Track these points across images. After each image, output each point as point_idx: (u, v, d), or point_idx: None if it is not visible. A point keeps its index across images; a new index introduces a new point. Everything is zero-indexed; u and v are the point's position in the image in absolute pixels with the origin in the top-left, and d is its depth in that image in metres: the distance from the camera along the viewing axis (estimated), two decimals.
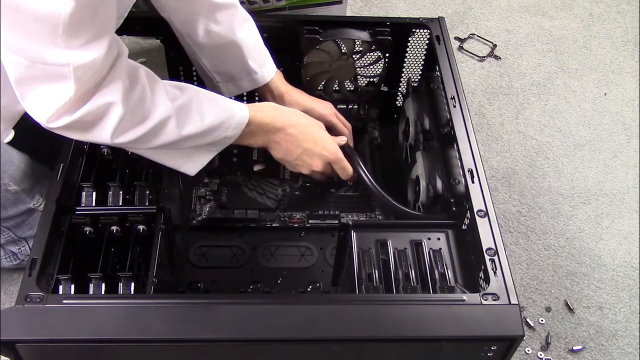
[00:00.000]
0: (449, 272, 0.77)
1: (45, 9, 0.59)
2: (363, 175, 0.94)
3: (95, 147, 0.90)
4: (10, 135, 0.87)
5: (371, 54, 1.06)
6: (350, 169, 0.95)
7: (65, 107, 0.67)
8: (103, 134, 0.71)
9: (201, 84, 1.11)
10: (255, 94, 1.07)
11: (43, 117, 0.68)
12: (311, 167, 0.92)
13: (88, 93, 0.67)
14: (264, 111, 0.87)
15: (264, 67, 0.98)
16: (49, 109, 0.67)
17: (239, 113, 0.82)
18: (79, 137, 0.72)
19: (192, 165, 0.84)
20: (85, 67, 0.64)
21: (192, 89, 0.79)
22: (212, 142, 0.82)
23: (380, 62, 1.08)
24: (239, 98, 1.15)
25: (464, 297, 0.69)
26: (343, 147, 0.96)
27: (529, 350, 1.04)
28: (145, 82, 0.73)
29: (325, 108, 1.02)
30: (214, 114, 0.80)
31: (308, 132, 0.90)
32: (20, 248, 1.03)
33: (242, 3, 0.97)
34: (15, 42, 0.62)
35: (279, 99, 0.99)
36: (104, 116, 0.70)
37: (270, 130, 0.87)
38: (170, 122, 0.75)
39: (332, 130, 1.03)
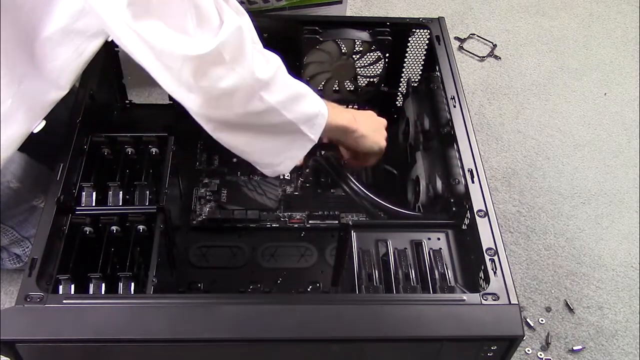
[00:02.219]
0: (449, 272, 0.77)
1: None
2: (351, 185, 0.95)
3: (95, 147, 0.90)
4: (42, 124, 0.85)
5: (371, 54, 1.06)
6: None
7: (202, 24, 0.66)
8: (247, 66, 0.70)
9: None
10: None
11: (179, 40, 0.65)
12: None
13: (215, 13, 0.67)
14: (338, 112, 0.88)
15: None
16: (184, 28, 0.65)
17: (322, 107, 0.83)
18: (220, 83, 0.69)
19: (290, 158, 0.84)
20: None
21: None
22: (311, 116, 0.80)
23: (380, 62, 1.08)
24: None
25: (464, 297, 0.69)
26: (329, 159, 0.98)
27: (529, 350, 1.04)
28: None
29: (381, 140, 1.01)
30: (303, 84, 0.81)
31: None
32: (24, 249, 1.03)
33: (242, 3, 0.97)
34: None
35: (352, 138, 0.98)
36: (242, 40, 0.69)
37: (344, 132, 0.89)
38: (284, 67, 0.76)
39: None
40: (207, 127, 0.75)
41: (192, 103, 0.70)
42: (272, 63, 0.75)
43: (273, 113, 0.75)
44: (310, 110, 0.80)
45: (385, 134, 0.96)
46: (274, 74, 0.74)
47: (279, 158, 0.83)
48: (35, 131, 0.85)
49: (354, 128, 0.89)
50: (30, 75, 0.77)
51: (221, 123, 0.75)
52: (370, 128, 0.93)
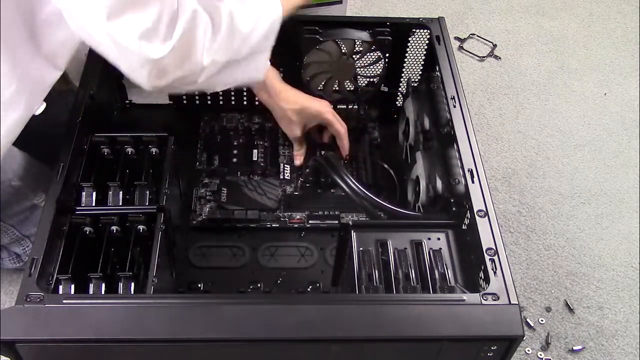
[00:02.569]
0: (449, 272, 0.77)
1: None
2: (351, 185, 0.95)
3: (95, 147, 0.90)
4: (43, 106, 0.86)
5: (371, 54, 1.06)
6: (343, 125, 1.04)
7: (158, 26, 0.70)
8: (195, 59, 0.76)
9: None
10: (245, 93, 1.07)
11: (139, 40, 0.70)
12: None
13: (172, 9, 0.71)
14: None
15: None
16: (143, 29, 0.69)
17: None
18: (172, 74, 0.75)
19: (258, 68, 0.90)
20: None
21: None
22: (264, 35, 0.86)
23: (380, 62, 1.08)
24: (240, 99, 1.16)
25: (464, 297, 0.69)
26: (328, 157, 0.99)
27: (529, 350, 1.04)
28: None
29: (322, 106, 1.02)
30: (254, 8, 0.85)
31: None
32: (24, 249, 1.03)
33: None
34: None
35: (276, 97, 1.00)
36: (194, 32, 0.74)
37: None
38: (234, 17, 0.80)
39: (328, 128, 1.04)
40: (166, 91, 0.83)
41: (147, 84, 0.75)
42: (222, 21, 0.79)
43: (230, 63, 0.82)
44: (261, 33, 0.85)
45: (327, 103, 1.03)
46: (220, 45, 0.78)
47: (248, 76, 0.90)
48: (37, 113, 0.85)
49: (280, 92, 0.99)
50: (31, 57, 0.78)
51: (178, 88, 0.82)
52: (304, 98, 1.00)
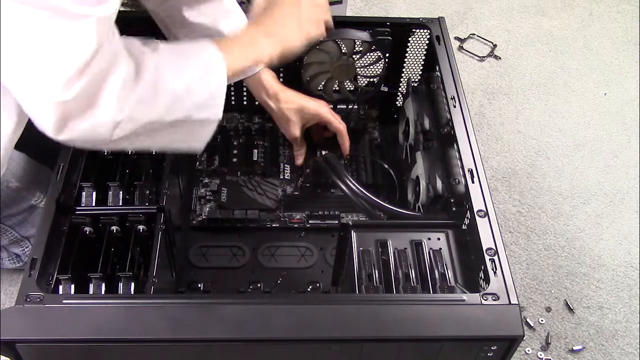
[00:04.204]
0: (449, 272, 0.77)
1: None
2: (351, 186, 0.95)
3: None
4: None
5: (371, 54, 1.06)
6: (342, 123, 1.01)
7: (84, 71, 0.59)
8: (107, 106, 0.62)
9: None
10: (245, 93, 1.07)
11: (57, 85, 0.59)
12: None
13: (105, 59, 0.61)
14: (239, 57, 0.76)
15: None
16: (65, 73, 0.58)
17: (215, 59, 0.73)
18: (78, 124, 0.63)
19: (198, 141, 0.75)
20: (104, 21, 0.59)
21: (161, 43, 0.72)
22: (200, 105, 0.71)
23: (380, 62, 1.08)
24: (240, 99, 1.16)
25: (464, 297, 0.69)
26: (327, 158, 0.99)
27: (529, 350, 1.04)
28: (118, 39, 0.66)
29: (320, 105, 1.03)
30: (190, 68, 0.71)
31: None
32: (23, 249, 1.03)
33: (242, 3, 0.97)
34: None
35: (274, 97, 1.00)
36: (107, 75, 0.62)
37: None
38: (163, 71, 0.67)
39: (327, 127, 1.05)
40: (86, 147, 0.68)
41: (53, 134, 0.64)
42: (145, 71, 0.66)
43: (152, 124, 0.68)
44: (200, 97, 0.70)
45: (317, 18, 0.84)
46: (145, 87, 0.65)
47: (186, 144, 0.75)
48: None
49: (265, 61, 0.78)
50: None
51: (96, 144, 0.67)
52: (291, 35, 0.81)
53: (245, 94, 1.14)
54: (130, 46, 0.66)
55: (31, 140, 0.85)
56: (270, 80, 0.99)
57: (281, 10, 0.81)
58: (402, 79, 1.14)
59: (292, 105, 1.00)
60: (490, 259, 0.73)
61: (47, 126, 0.62)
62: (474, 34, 1.61)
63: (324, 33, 0.87)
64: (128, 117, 0.65)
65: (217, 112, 0.73)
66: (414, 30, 1.07)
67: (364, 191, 0.93)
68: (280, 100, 1.00)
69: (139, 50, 0.67)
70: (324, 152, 1.05)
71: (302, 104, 1.00)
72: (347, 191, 0.95)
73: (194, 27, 0.92)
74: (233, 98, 1.15)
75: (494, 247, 0.74)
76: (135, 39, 0.68)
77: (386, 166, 1.11)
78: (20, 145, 0.91)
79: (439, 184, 0.89)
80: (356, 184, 0.95)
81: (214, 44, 0.73)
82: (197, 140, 0.74)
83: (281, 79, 1.11)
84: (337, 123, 1.04)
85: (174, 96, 0.68)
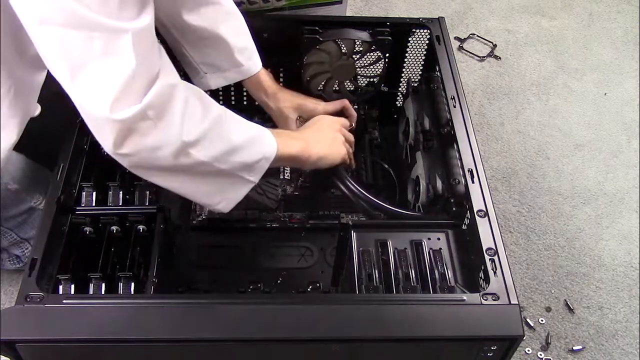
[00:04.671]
0: (449, 272, 0.77)
1: None
2: (351, 187, 0.95)
3: (95, 146, 0.90)
4: (38, 109, 0.84)
5: (371, 54, 1.06)
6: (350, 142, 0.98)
7: (130, 87, 0.62)
8: (173, 127, 0.66)
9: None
10: (245, 93, 1.07)
11: (106, 104, 0.61)
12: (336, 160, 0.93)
13: (150, 73, 0.64)
14: (289, 143, 0.85)
15: (250, 59, 0.98)
16: (112, 92, 0.61)
17: (270, 140, 0.81)
18: (143, 139, 0.65)
19: (228, 200, 0.79)
20: (141, 36, 0.61)
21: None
22: (251, 163, 0.77)
23: (380, 62, 1.08)
24: (240, 99, 1.16)
25: (464, 297, 0.69)
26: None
27: (529, 350, 1.04)
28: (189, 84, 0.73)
29: (318, 102, 1.03)
30: (249, 128, 0.78)
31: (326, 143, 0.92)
32: (23, 251, 1.03)
33: (242, 3, 0.97)
34: (71, 11, 0.57)
35: (272, 97, 1.00)
36: (171, 99, 0.66)
37: (297, 161, 0.87)
38: (226, 119, 0.73)
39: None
40: (134, 170, 0.71)
41: (112, 148, 0.66)
42: (210, 116, 0.71)
43: (204, 165, 0.72)
44: (250, 159, 0.77)
45: (341, 143, 0.93)
46: (207, 130, 0.70)
47: (216, 199, 0.79)
48: (34, 115, 0.85)
49: (306, 156, 0.87)
50: (17, 63, 0.76)
51: (146, 168, 0.71)
52: (325, 146, 0.90)
53: (245, 94, 1.14)
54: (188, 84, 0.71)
55: (30, 141, 0.85)
56: (268, 81, 1.00)
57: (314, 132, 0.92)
58: (402, 79, 1.14)
59: (290, 104, 1.00)
60: (490, 259, 0.73)
61: (105, 142, 0.65)
62: (474, 34, 1.61)
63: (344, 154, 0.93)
64: (196, 140, 0.69)
65: (255, 178, 0.78)
66: (414, 30, 1.07)
67: (363, 191, 0.93)
68: (278, 99, 1.00)
69: (204, 95, 0.72)
70: None
71: (300, 102, 1.01)
72: (345, 191, 0.95)
73: (194, 30, 0.92)
74: (233, 98, 1.15)
75: (494, 247, 0.74)
76: None
77: (386, 166, 1.11)
78: (19, 147, 0.91)
79: (439, 184, 0.89)
80: (355, 185, 0.95)
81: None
82: (227, 200, 0.78)
83: (281, 79, 1.12)
84: (338, 104, 1.03)
85: (231, 145, 0.73)
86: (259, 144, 0.78)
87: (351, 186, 0.94)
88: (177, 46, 0.96)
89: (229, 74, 0.99)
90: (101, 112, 0.62)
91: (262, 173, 0.79)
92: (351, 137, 0.99)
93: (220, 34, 0.93)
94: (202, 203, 0.82)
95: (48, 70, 0.67)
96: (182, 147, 0.68)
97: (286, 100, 1.00)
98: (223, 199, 0.79)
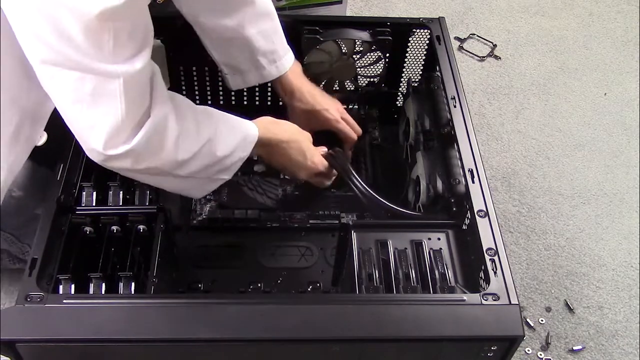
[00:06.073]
0: (449, 272, 0.77)
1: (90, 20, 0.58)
2: (356, 183, 0.94)
3: None
4: (44, 137, 0.85)
5: (371, 54, 1.06)
6: (328, 180, 1.00)
7: (119, 132, 0.66)
8: (166, 154, 0.72)
9: (200, 84, 1.11)
10: (245, 93, 1.07)
11: (98, 143, 0.66)
12: (298, 176, 0.97)
13: (139, 116, 0.67)
14: (267, 128, 0.88)
15: (274, 63, 0.97)
16: (102, 133, 0.66)
17: (251, 133, 0.84)
18: (137, 164, 0.70)
19: (201, 191, 0.86)
20: (132, 80, 0.64)
21: (214, 113, 0.81)
22: (229, 166, 0.83)
23: (380, 62, 1.08)
24: (240, 99, 1.16)
25: (464, 297, 0.69)
26: (337, 154, 0.97)
27: (529, 350, 1.04)
28: (183, 100, 0.76)
29: (333, 112, 1.01)
30: (234, 135, 0.82)
31: (299, 148, 0.93)
32: (24, 254, 1.03)
33: None
34: (65, 54, 0.60)
35: (289, 95, 0.99)
36: (164, 132, 0.71)
37: (269, 145, 0.89)
38: (216, 135, 0.78)
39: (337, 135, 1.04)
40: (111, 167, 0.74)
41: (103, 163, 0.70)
42: (202, 137, 0.76)
43: (186, 178, 0.78)
44: (229, 164, 0.82)
45: (316, 158, 0.95)
46: (198, 151, 0.75)
47: (191, 193, 0.86)
48: (39, 144, 0.85)
49: (278, 161, 0.92)
50: (26, 91, 0.76)
51: (133, 173, 0.75)
52: (291, 165, 0.94)
53: (245, 94, 1.14)
54: (180, 102, 0.75)
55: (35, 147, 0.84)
56: (289, 77, 0.99)
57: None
58: (402, 79, 1.14)
59: (304, 106, 0.99)
60: (490, 259, 0.73)
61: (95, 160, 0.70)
62: (474, 34, 1.62)
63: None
64: (187, 160, 0.75)
65: (229, 177, 0.84)
66: (414, 30, 1.07)
67: (369, 190, 0.93)
68: (294, 97, 0.99)
69: (192, 107, 0.77)
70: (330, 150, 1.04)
71: (314, 108, 1.00)
72: (354, 188, 0.94)
73: (219, 31, 0.92)
74: (233, 98, 1.15)
75: (494, 247, 0.74)
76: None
77: (386, 167, 1.11)
78: None
79: (439, 184, 0.89)
80: (362, 182, 0.94)
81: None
82: (202, 192, 0.85)
83: None
84: (346, 133, 1.03)
85: (216, 159, 0.79)
86: (240, 149, 0.82)
87: (358, 183, 0.94)
88: (203, 41, 0.95)
89: (250, 77, 0.99)
90: (94, 147, 0.67)
91: (237, 168, 0.84)
92: (353, 123, 1.03)
93: (247, 36, 0.93)
94: (176, 192, 0.86)
95: None
96: (175, 165, 0.74)
97: (301, 101, 0.99)
98: (197, 192, 0.86)
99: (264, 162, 1.09)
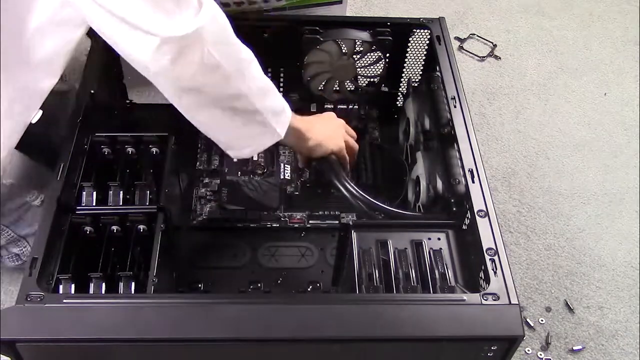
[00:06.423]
0: (449, 272, 0.77)
1: None
2: (348, 187, 0.95)
3: (95, 146, 0.90)
4: (39, 114, 0.85)
5: (371, 54, 1.06)
6: (352, 159, 1.02)
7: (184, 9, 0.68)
8: (232, 48, 0.75)
9: None
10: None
11: (169, 25, 0.67)
12: (328, 147, 0.97)
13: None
14: (297, 118, 0.91)
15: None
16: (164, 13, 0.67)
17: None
18: (206, 58, 0.72)
19: (253, 146, 0.87)
20: None
21: None
22: (278, 111, 0.84)
23: (380, 62, 1.08)
24: None
25: (464, 297, 0.69)
26: (328, 159, 0.97)
27: (529, 350, 1.04)
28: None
29: (336, 143, 0.99)
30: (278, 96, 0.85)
31: (334, 120, 0.99)
32: (22, 249, 1.03)
33: (242, 3, 0.97)
34: None
35: (302, 138, 0.95)
36: (225, 23, 0.73)
37: (305, 120, 0.93)
38: (253, 64, 0.79)
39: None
40: (174, 100, 0.78)
41: (163, 78, 0.73)
42: (249, 54, 0.79)
43: (242, 100, 0.79)
44: (276, 106, 0.84)
45: (341, 137, 0.98)
46: (249, 63, 0.78)
47: (244, 143, 0.86)
48: (34, 121, 0.85)
49: (308, 136, 0.93)
50: (23, 67, 0.77)
51: (190, 96, 0.77)
52: (324, 135, 0.96)
53: None
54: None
55: (26, 137, 0.85)
56: (297, 126, 0.94)
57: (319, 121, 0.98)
58: (402, 79, 1.14)
59: (312, 143, 0.96)
60: (490, 259, 0.73)
61: (160, 61, 0.70)
62: (474, 34, 1.61)
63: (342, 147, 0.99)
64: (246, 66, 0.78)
65: (281, 130, 0.85)
66: (414, 30, 1.07)
67: (362, 193, 0.93)
68: (307, 139, 0.96)
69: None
70: None
71: (322, 142, 0.97)
72: (344, 192, 0.94)
73: None
74: None
75: (494, 247, 0.74)
76: None
77: (386, 167, 1.11)
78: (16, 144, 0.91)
79: (439, 184, 0.89)
80: (354, 186, 0.94)
81: None
82: (253, 147, 0.86)
83: (282, 79, 1.12)
84: (348, 160, 1.02)
85: (263, 84, 0.81)
86: (279, 97, 0.85)
87: (349, 187, 0.94)
88: None
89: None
90: (165, 33, 0.67)
91: (285, 127, 0.85)
92: (354, 142, 1.01)
93: None
94: (229, 147, 0.87)
95: None
96: (236, 69, 0.75)
97: (312, 139, 0.96)
98: (250, 144, 0.86)
99: (264, 162, 1.09)
